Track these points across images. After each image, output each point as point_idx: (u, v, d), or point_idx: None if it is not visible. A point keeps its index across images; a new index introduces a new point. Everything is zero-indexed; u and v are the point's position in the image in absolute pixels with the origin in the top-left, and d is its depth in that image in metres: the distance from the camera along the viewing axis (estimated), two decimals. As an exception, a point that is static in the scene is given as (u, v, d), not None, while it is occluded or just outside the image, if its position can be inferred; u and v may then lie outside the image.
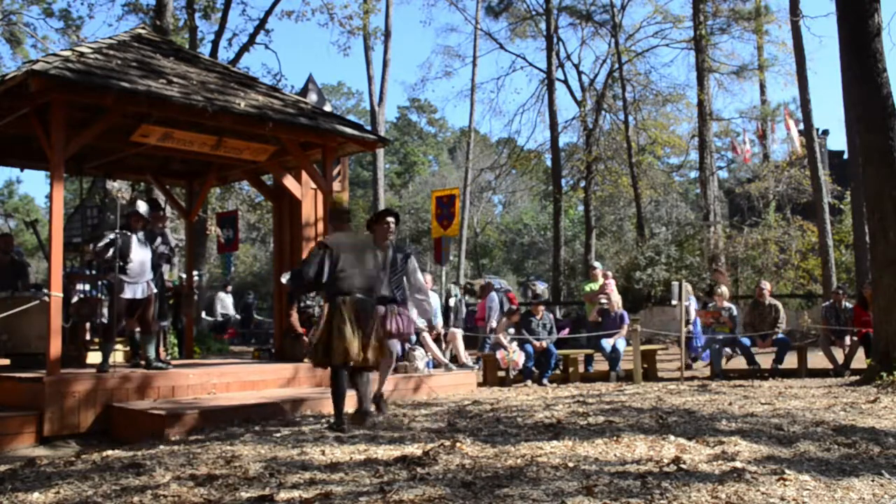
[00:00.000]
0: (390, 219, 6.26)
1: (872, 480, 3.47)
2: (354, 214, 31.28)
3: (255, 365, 8.41)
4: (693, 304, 11.59)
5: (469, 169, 28.85)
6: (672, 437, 4.56)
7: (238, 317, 18.70)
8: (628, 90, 24.17)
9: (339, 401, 5.60)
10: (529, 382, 9.72)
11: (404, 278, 6.48)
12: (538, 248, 40.41)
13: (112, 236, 7.02)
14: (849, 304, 10.32)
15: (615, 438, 4.56)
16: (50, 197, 6.96)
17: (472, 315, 13.09)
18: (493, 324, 11.35)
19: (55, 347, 6.21)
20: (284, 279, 8.47)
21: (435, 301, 10.13)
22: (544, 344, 9.86)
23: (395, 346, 6.60)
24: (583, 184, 25.98)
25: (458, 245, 26.81)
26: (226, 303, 18.14)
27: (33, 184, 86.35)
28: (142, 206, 7.41)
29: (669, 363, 11.57)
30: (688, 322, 11.40)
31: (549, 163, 27.34)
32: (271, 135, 7.76)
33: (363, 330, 5.56)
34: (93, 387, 6.29)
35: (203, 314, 17.24)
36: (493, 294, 11.75)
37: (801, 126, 17.83)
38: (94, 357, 7.80)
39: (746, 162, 25.16)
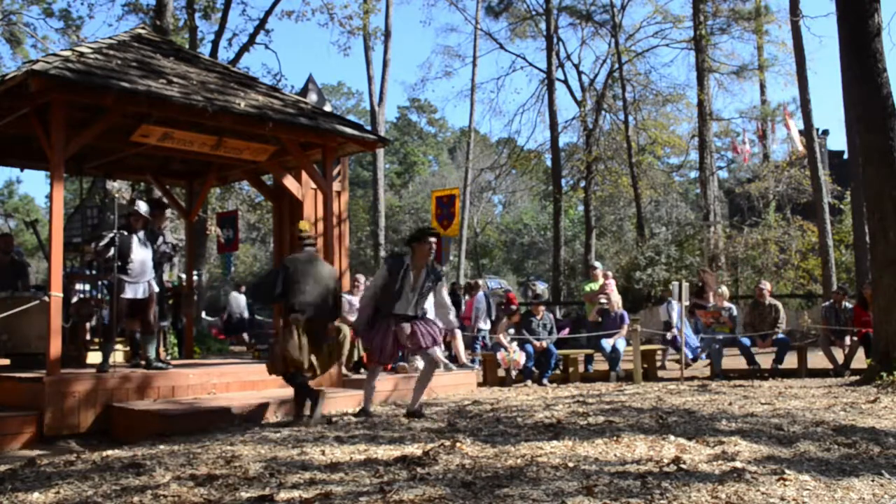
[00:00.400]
0: (433, 239, 6.27)
1: (872, 480, 3.46)
2: (354, 214, 31.37)
3: (255, 365, 8.39)
4: (676, 307, 11.55)
5: (469, 169, 28.86)
6: (672, 437, 4.56)
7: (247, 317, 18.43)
8: (628, 90, 24.18)
9: (314, 397, 6.28)
10: (529, 382, 9.72)
11: (430, 296, 6.50)
12: (538, 248, 40.43)
13: (111, 235, 7.01)
14: (849, 304, 10.32)
15: (615, 438, 4.56)
16: (50, 197, 6.96)
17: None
18: (481, 324, 11.29)
19: (55, 347, 6.20)
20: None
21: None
22: (544, 344, 9.86)
23: (437, 353, 6.52)
24: (583, 184, 25.99)
25: (458, 245, 26.81)
26: (240, 303, 17.76)
27: (33, 184, 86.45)
28: (142, 207, 7.41)
29: (669, 363, 11.57)
30: (671, 326, 11.36)
31: (549, 163, 27.35)
32: (271, 135, 7.76)
33: (313, 344, 6.22)
34: (93, 387, 6.29)
35: (203, 314, 17.20)
36: (482, 295, 11.66)
37: (802, 126, 17.84)
38: (94, 357, 7.80)
39: (745, 162, 25.19)
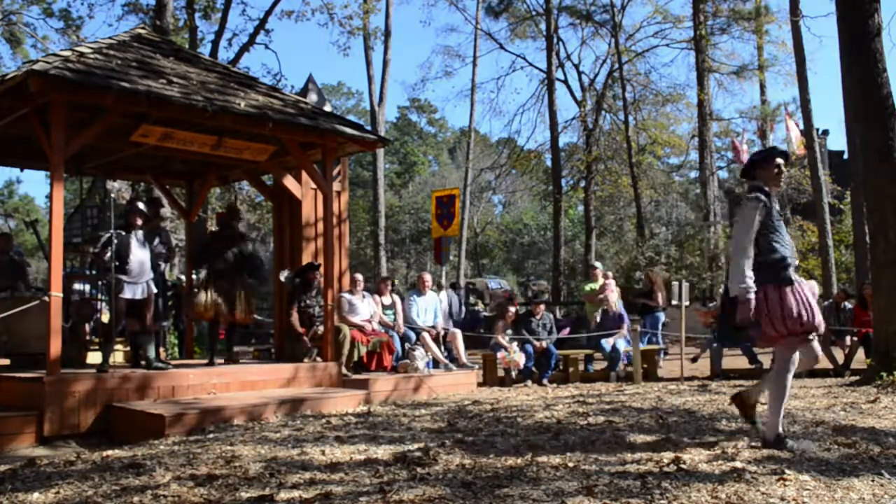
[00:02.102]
0: (780, 160, 4.51)
1: (872, 480, 3.46)
2: (354, 214, 31.34)
3: (255, 365, 8.41)
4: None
5: (469, 169, 28.87)
6: (672, 437, 4.56)
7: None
8: (628, 90, 24.17)
9: (229, 335, 8.89)
10: (529, 382, 9.72)
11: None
12: (538, 248, 40.41)
13: (107, 235, 6.99)
14: (849, 305, 10.32)
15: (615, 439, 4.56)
16: (50, 197, 6.96)
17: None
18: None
19: (55, 347, 6.20)
20: (283, 276, 8.52)
21: (435, 301, 10.12)
22: (544, 344, 9.86)
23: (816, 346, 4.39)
24: (583, 184, 25.98)
25: (458, 245, 26.81)
26: None
27: (33, 184, 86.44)
28: (140, 206, 7.42)
29: (670, 363, 11.58)
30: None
31: (549, 163, 27.33)
32: (271, 135, 7.76)
33: (224, 298, 7.98)
34: (93, 387, 6.29)
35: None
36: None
37: (802, 126, 17.84)
38: (94, 357, 7.80)
39: (739, 163, 25.18)
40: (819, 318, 4.26)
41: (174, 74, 7.34)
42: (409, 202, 41.23)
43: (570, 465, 3.85)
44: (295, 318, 8.60)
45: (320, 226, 8.90)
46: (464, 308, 14.95)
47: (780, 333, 4.21)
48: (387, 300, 9.64)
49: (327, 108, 10.52)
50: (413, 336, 9.54)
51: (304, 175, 8.74)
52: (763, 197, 4.31)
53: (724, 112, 52.32)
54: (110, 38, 7.95)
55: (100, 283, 7.98)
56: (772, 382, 4.36)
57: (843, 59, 8.55)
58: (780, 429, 4.25)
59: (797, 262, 4.52)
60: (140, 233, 7.24)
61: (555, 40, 25.27)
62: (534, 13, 26.46)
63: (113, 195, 8.22)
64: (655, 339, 11.33)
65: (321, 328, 8.44)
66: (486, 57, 45.37)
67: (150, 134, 7.39)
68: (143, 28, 9.08)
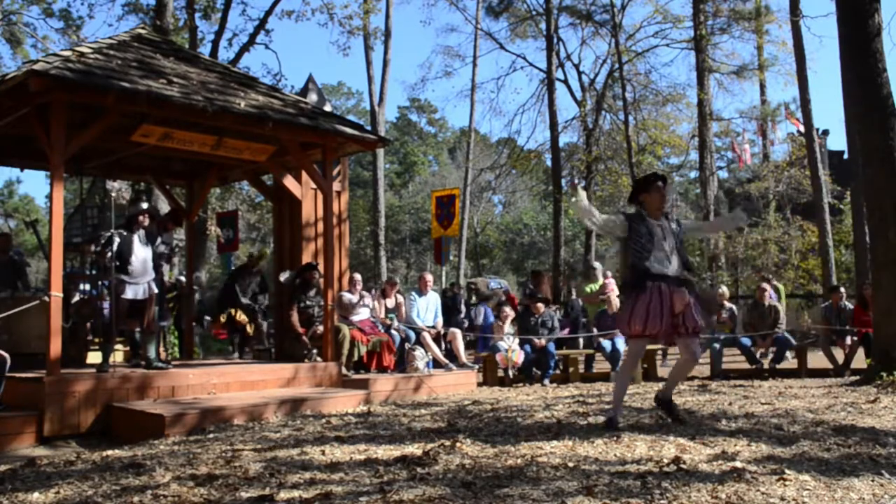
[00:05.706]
0: (660, 184, 5.27)
1: (872, 480, 3.46)
2: (354, 214, 31.38)
3: (255, 365, 8.41)
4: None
5: (469, 169, 28.88)
6: (672, 437, 4.56)
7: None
8: (628, 90, 24.12)
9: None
10: (529, 383, 9.71)
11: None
12: (538, 248, 40.40)
13: (109, 235, 6.99)
14: (849, 305, 10.32)
15: (615, 438, 4.56)
16: (50, 197, 6.96)
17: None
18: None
19: (55, 347, 6.20)
20: (282, 278, 8.55)
21: (435, 301, 10.12)
22: (543, 342, 9.85)
23: (694, 346, 5.25)
24: (583, 184, 25.95)
25: (458, 245, 26.81)
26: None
27: (33, 184, 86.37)
28: (145, 206, 7.43)
29: (669, 363, 11.57)
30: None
31: (549, 163, 27.32)
32: (271, 135, 7.76)
33: None
34: (93, 387, 6.29)
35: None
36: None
37: (802, 126, 17.86)
38: (94, 357, 7.80)
39: (741, 167, 25.21)
40: (663, 318, 5.00)
41: (174, 74, 7.34)
42: (409, 202, 41.25)
43: (570, 465, 3.84)
44: (295, 317, 8.60)
45: (320, 226, 8.90)
46: (464, 308, 14.97)
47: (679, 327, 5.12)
48: (391, 302, 9.62)
49: (327, 108, 10.52)
50: (413, 336, 9.54)
51: (304, 175, 8.75)
52: (629, 215, 5.25)
53: (724, 112, 52.49)
54: (110, 38, 7.95)
55: (100, 283, 7.99)
56: (681, 365, 5.44)
57: (843, 59, 8.55)
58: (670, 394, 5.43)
59: (665, 272, 5.09)
60: (142, 232, 7.25)
61: (555, 40, 25.23)
62: (534, 13, 26.43)
63: (113, 195, 8.23)
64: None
65: (321, 328, 8.44)
66: (486, 57, 45.37)
67: (150, 134, 7.39)
68: (143, 28, 9.08)
